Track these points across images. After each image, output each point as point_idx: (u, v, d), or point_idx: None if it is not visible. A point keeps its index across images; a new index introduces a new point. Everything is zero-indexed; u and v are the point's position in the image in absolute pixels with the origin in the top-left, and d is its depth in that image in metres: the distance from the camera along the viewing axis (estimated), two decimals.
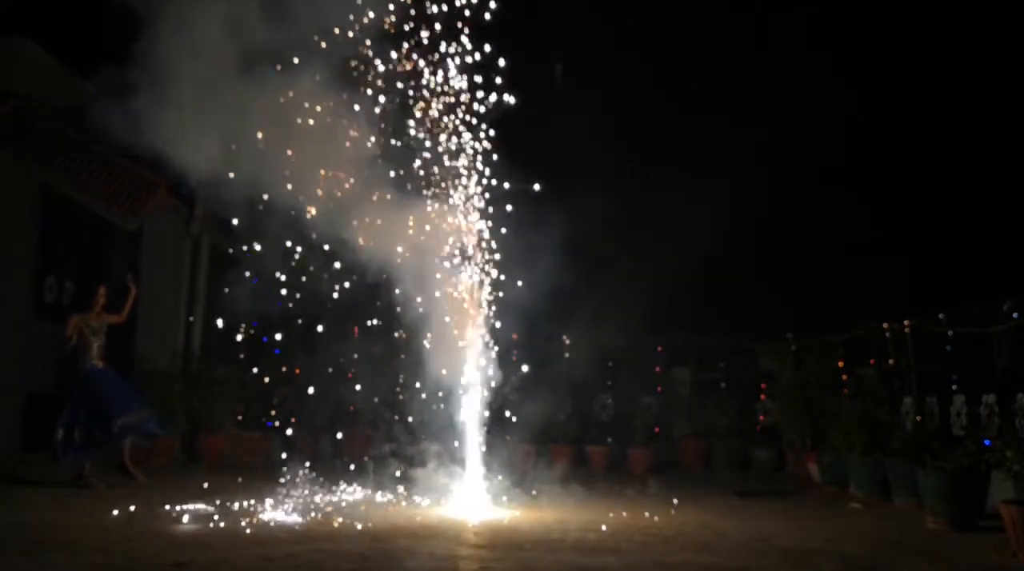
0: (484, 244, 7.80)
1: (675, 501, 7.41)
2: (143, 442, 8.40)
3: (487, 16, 7.28)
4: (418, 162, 7.55)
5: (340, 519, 6.51)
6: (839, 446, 9.35)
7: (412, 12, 7.33)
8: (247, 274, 7.65)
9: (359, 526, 6.23)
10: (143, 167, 10.41)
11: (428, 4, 7.34)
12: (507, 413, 9.32)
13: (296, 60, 6.97)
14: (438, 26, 7.35)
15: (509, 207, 7.67)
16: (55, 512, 6.35)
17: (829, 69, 12.90)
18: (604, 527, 6.49)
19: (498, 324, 7.92)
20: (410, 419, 8.30)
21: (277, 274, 7.46)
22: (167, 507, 6.63)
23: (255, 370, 10.88)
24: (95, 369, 7.99)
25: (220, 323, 11.01)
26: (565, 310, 11.15)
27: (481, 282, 7.74)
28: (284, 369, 11.09)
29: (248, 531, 5.90)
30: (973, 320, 8.92)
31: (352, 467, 8.71)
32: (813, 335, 11.33)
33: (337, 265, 7.47)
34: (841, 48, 13.18)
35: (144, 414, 8.01)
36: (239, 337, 11.12)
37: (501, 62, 7.30)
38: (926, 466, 7.12)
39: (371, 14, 7.13)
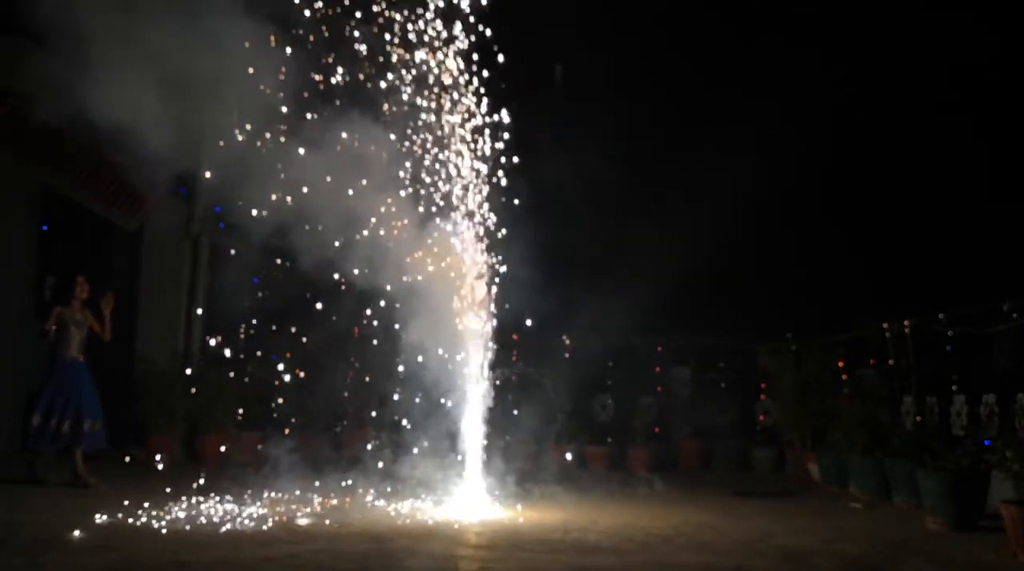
0: (484, 241, 7.81)
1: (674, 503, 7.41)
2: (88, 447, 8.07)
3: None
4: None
5: (339, 519, 6.51)
6: (839, 446, 9.36)
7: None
8: (246, 273, 7.65)
9: (359, 526, 6.23)
10: (143, 167, 10.40)
11: None
12: (507, 412, 9.32)
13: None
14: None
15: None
16: (55, 512, 6.35)
17: (829, 67, 12.90)
18: (604, 527, 6.49)
19: (496, 323, 7.93)
20: (407, 416, 8.29)
21: (274, 272, 7.45)
22: (167, 507, 6.63)
23: (255, 368, 10.89)
24: (75, 362, 7.98)
25: (220, 324, 11.03)
26: (565, 310, 11.14)
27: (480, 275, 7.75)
28: (283, 368, 11.09)
29: (248, 531, 5.90)
30: (973, 320, 8.91)
31: (351, 466, 8.71)
32: (813, 335, 11.32)
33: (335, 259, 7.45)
34: (841, 45, 13.16)
35: (92, 426, 7.95)
36: (239, 337, 11.12)
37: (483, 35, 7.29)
38: (926, 466, 7.11)
39: None
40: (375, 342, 10.08)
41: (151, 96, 6.30)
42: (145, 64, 6.22)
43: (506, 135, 7.57)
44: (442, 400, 7.78)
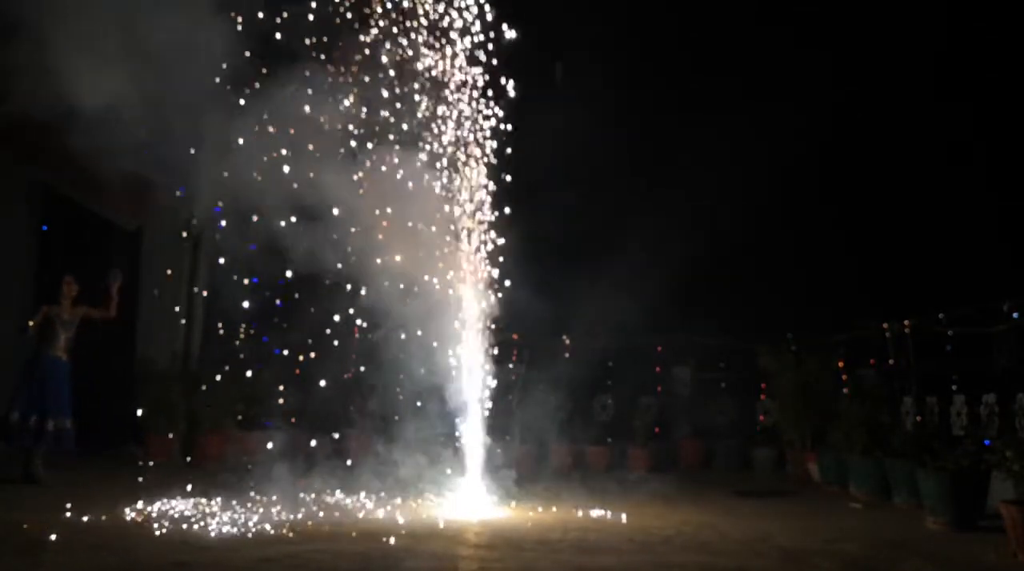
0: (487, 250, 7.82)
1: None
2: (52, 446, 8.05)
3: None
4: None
5: (339, 519, 6.51)
6: (839, 446, 9.35)
7: None
8: (245, 273, 7.65)
9: (359, 526, 6.22)
10: (142, 167, 10.39)
11: None
12: (507, 413, 9.31)
13: None
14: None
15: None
16: (53, 512, 6.34)
17: (828, 66, 12.89)
18: (604, 527, 6.49)
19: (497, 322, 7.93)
20: (407, 415, 8.29)
21: (271, 271, 7.46)
22: (165, 507, 6.63)
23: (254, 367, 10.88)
24: (58, 360, 7.98)
25: (220, 323, 11.02)
26: (565, 310, 11.14)
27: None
28: (282, 367, 11.08)
29: (248, 532, 5.90)
30: (973, 320, 8.92)
31: (351, 466, 8.71)
32: (813, 335, 11.33)
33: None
34: (840, 44, 13.16)
35: (69, 425, 7.95)
36: (239, 337, 11.11)
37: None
38: (926, 466, 7.11)
39: None
40: (374, 339, 10.08)
41: (140, 89, 6.29)
42: (137, 57, 6.21)
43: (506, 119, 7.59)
44: (443, 399, 7.78)
